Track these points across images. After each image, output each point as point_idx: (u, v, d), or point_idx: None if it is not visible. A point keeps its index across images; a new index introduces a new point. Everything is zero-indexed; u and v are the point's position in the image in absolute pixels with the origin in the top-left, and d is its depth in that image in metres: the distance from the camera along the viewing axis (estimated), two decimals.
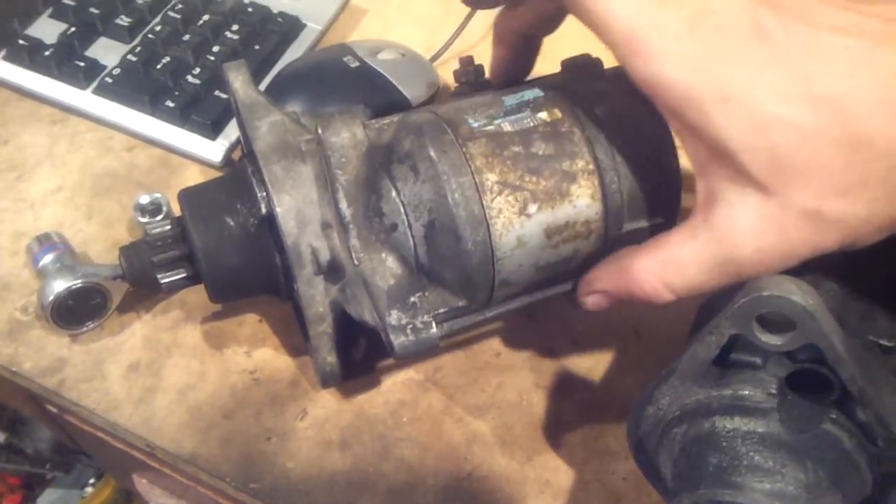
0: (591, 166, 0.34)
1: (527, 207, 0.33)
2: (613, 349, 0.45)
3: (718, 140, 0.28)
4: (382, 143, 0.36)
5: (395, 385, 0.43)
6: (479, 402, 0.42)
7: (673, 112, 0.29)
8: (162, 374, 0.43)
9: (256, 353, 0.44)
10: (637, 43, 0.28)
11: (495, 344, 0.44)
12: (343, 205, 0.35)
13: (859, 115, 0.26)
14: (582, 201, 0.34)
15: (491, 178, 0.33)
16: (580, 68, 0.39)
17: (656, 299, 0.32)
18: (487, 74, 0.42)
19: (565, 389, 0.43)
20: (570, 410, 0.42)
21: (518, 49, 0.40)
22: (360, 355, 0.43)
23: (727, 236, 0.29)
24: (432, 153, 0.33)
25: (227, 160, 0.50)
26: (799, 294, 0.27)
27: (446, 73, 0.56)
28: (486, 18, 0.60)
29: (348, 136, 0.36)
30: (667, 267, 0.31)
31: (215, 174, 0.50)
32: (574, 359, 0.44)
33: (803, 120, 0.27)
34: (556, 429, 0.42)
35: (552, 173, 0.33)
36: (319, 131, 0.36)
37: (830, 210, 0.28)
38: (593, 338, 0.45)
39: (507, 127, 0.34)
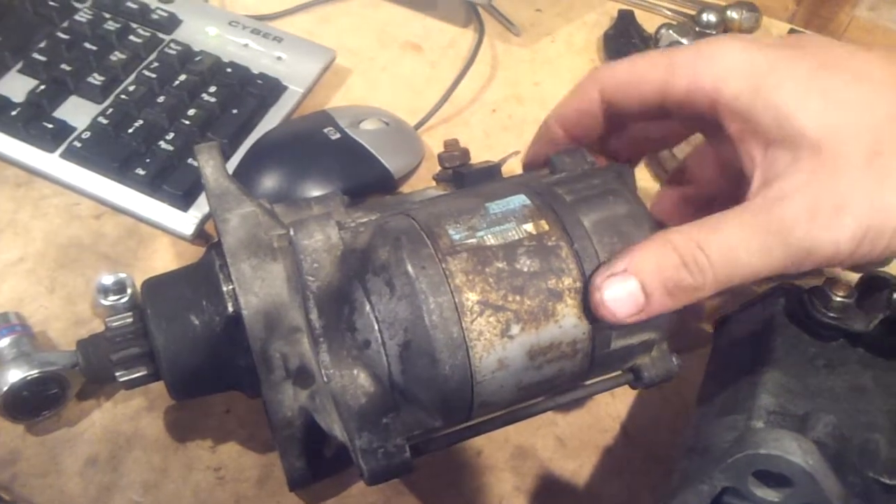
0: (579, 284, 0.32)
1: (509, 329, 0.31)
2: (600, 449, 0.42)
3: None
4: (358, 247, 0.34)
5: (368, 487, 0.40)
6: None
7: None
8: (121, 470, 0.40)
9: (222, 447, 0.41)
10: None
11: (478, 441, 0.42)
12: (314, 315, 0.33)
13: None
14: (568, 321, 0.32)
15: (471, 297, 0.31)
16: (568, 164, 0.37)
17: (697, 275, 0.29)
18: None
19: (548, 494, 0.41)
20: None
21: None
22: (331, 452, 0.41)
23: (777, 202, 0.29)
24: (410, 269, 0.31)
25: (200, 233, 0.48)
26: (799, 453, 0.25)
27: (432, 140, 0.54)
28: (474, 82, 0.59)
29: (322, 238, 0.33)
30: (703, 230, 0.30)
31: (186, 247, 0.48)
32: (558, 459, 0.42)
33: None
34: None
35: (537, 292, 0.31)
36: (291, 233, 0.34)
37: None
38: (579, 436, 0.43)
39: (489, 240, 0.32)
